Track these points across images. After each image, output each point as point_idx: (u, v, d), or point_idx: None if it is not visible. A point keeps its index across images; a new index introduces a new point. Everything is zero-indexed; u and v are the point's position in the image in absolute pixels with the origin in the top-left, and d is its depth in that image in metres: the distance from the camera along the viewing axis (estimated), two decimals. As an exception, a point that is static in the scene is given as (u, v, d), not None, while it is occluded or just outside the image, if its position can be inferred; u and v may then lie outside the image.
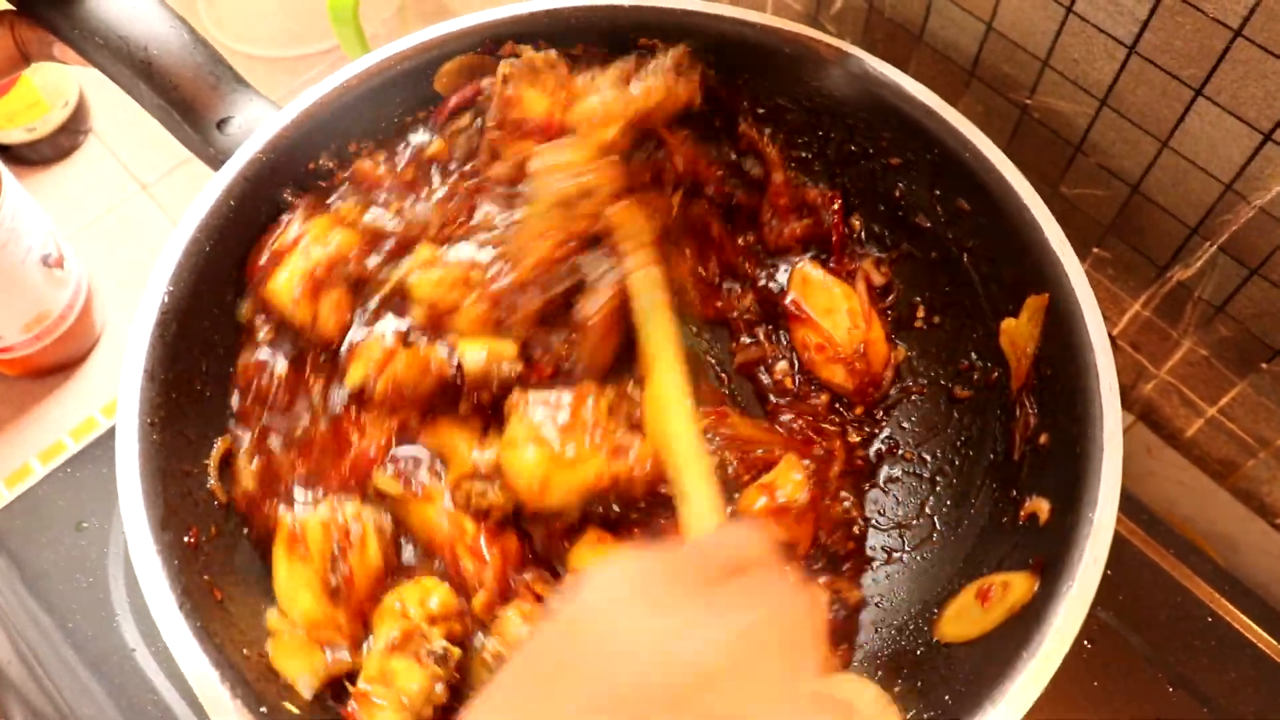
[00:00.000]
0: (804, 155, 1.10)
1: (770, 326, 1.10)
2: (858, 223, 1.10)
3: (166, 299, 0.88)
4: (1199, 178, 0.94)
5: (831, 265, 1.09)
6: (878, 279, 1.08)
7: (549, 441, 0.88)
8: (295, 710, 0.81)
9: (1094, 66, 0.95)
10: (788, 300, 1.07)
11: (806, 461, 0.98)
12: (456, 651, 0.85)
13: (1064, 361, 0.89)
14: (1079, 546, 0.80)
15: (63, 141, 1.45)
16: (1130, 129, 0.97)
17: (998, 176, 0.94)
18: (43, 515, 1.09)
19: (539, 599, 0.89)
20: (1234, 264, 0.96)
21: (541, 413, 0.89)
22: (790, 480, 0.95)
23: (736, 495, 0.96)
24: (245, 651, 0.82)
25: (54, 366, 1.32)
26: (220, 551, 0.89)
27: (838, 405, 1.06)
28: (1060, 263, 0.89)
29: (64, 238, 1.27)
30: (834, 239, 1.09)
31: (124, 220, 1.43)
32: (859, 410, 1.06)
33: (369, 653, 0.86)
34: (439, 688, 0.83)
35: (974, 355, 1.03)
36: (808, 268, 1.08)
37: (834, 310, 1.05)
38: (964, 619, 0.90)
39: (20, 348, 1.26)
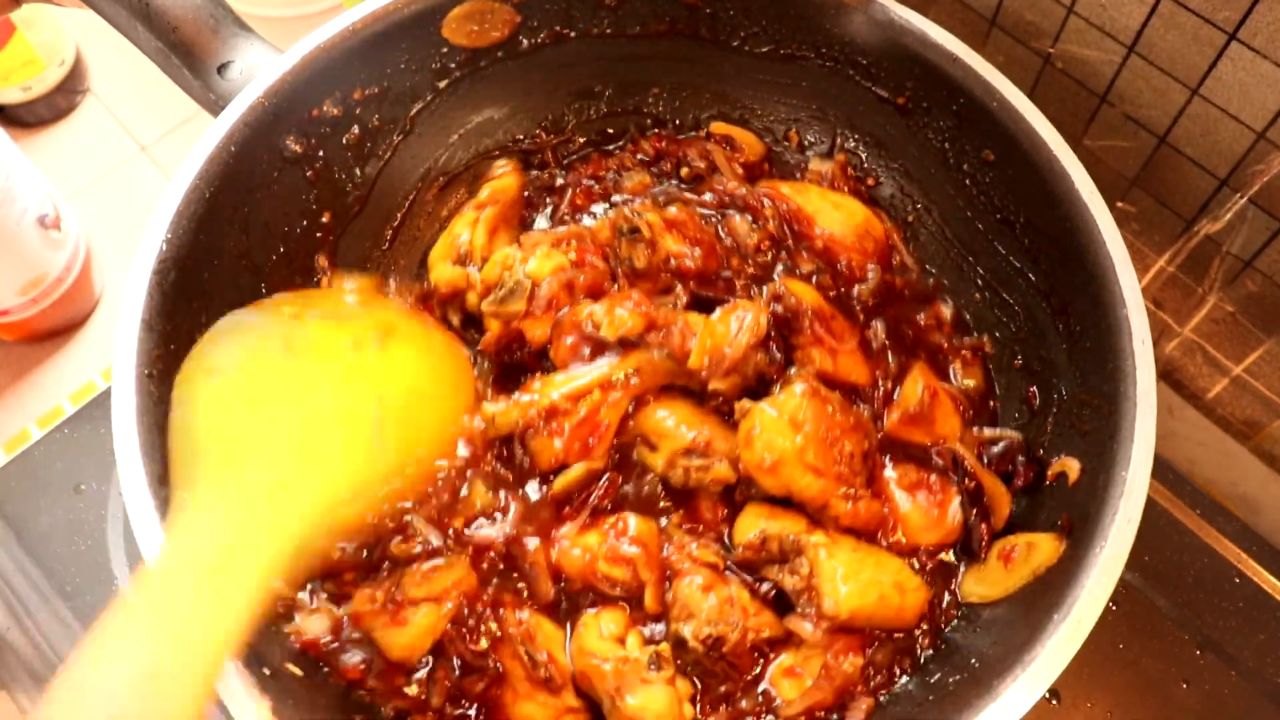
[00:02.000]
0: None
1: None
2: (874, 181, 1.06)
3: (165, 247, 0.83)
4: (1230, 126, 0.89)
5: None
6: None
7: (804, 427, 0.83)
8: (298, 672, 0.77)
9: (1122, 11, 0.90)
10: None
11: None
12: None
13: (1094, 317, 0.84)
14: (1111, 505, 0.76)
15: (60, 102, 1.39)
16: (1159, 76, 0.92)
17: (1026, 126, 0.89)
18: (40, 478, 1.04)
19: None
20: (1264, 216, 0.91)
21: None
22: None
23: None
24: (247, 611, 0.77)
25: (52, 330, 1.27)
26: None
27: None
28: (1091, 214, 0.85)
29: (62, 200, 1.22)
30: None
31: (123, 182, 1.37)
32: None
33: None
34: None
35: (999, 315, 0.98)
36: None
37: None
38: (986, 579, 0.85)
39: (17, 311, 1.21)
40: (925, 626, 0.85)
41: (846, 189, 1.04)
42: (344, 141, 0.97)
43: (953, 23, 1.03)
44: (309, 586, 0.83)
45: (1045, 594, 0.77)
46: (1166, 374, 1.11)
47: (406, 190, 1.05)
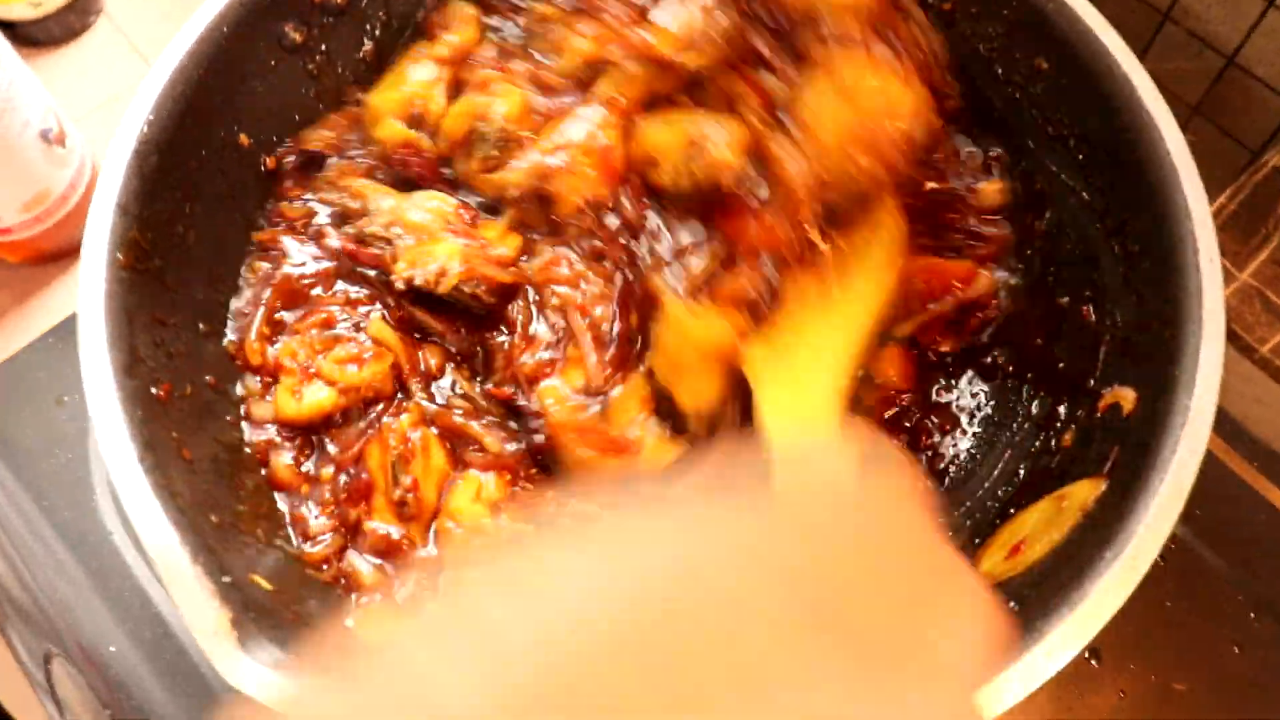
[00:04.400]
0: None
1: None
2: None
3: (146, 128, 0.75)
4: (1310, 41, 0.79)
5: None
6: None
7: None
8: (266, 585, 0.67)
9: (1194, -87, 0.80)
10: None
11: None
12: None
13: (1155, 235, 0.73)
14: (1172, 435, 0.66)
15: (72, 21, 1.31)
16: (1231, -12, 0.82)
17: (1083, 28, 0.78)
18: (22, 388, 0.95)
19: None
20: (1344, 143, 0.81)
21: None
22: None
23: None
24: (213, 518, 0.68)
25: (57, 252, 1.19)
26: (197, 412, 0.75)
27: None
28: (1154, 121, 0.74)
29: (68, 118, 1.14)
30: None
31: (137, 106, 1.29)
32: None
33: None
34: None
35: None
36: None
37: None
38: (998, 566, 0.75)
39: (19, 229, 1.13)
40: None
41: None
42: (348, 36, 0.88)
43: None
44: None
45: (1094, 532, 0.67)
46: (1221, 323, 1.00)
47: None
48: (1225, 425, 0.91)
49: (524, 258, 0.83)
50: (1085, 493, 0.71)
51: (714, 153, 0.76)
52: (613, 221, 0.80)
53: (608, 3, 0.85)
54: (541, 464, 0.79)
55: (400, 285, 0.81)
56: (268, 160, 0.87)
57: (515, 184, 0.82)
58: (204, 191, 0.79)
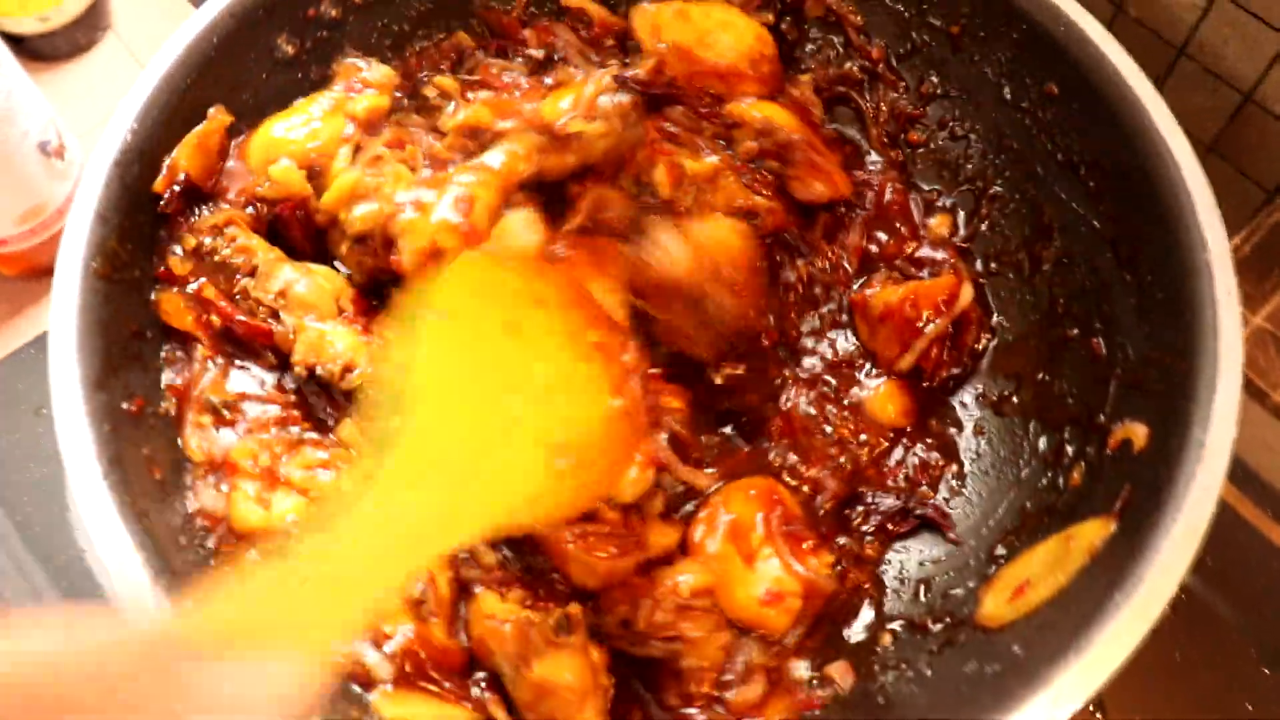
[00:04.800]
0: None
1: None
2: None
3: (130, 137, 0.72)
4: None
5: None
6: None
7: None
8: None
9: (1212, -57, 0.78)
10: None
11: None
12: None
13: (1170, 265, 0.70)
14: (1186, 471, 0.63)
15: (79, 37, 1.30)
16: (1249, 21, 0.79)
17: (1095, 52, 0.76)
18: (1, 399, 0.93)
19: None
20: (1363, 181, 0.78)
21: None
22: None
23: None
24: (181, 540, 0.65)
25: (53, 266, 1.16)
26: (171, 430, 0.72)
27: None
28: (1169, 148, 0.71)
29: (70, 133, 1.12)
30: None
31: (140, 126, 1.27)
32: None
33: None
34: None
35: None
36: None
37: None
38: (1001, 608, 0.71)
39: (15, 241, 1.10)
40: None
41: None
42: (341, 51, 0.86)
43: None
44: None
45: (1102, 575, 0.63)
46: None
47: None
48: (1237, 472, 0.87)
49: None
50: (1094, 533, 0.68)
51: None
52: None
53: (512, 79, 0.84)
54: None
55: (300, 371, 0.74)
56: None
57: (359, 223, 0.76)
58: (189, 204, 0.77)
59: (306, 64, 0.83)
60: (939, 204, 0.90)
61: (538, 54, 0.89)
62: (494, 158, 0.76)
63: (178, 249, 0.75)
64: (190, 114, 0.76)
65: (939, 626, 0.73)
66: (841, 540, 0.79)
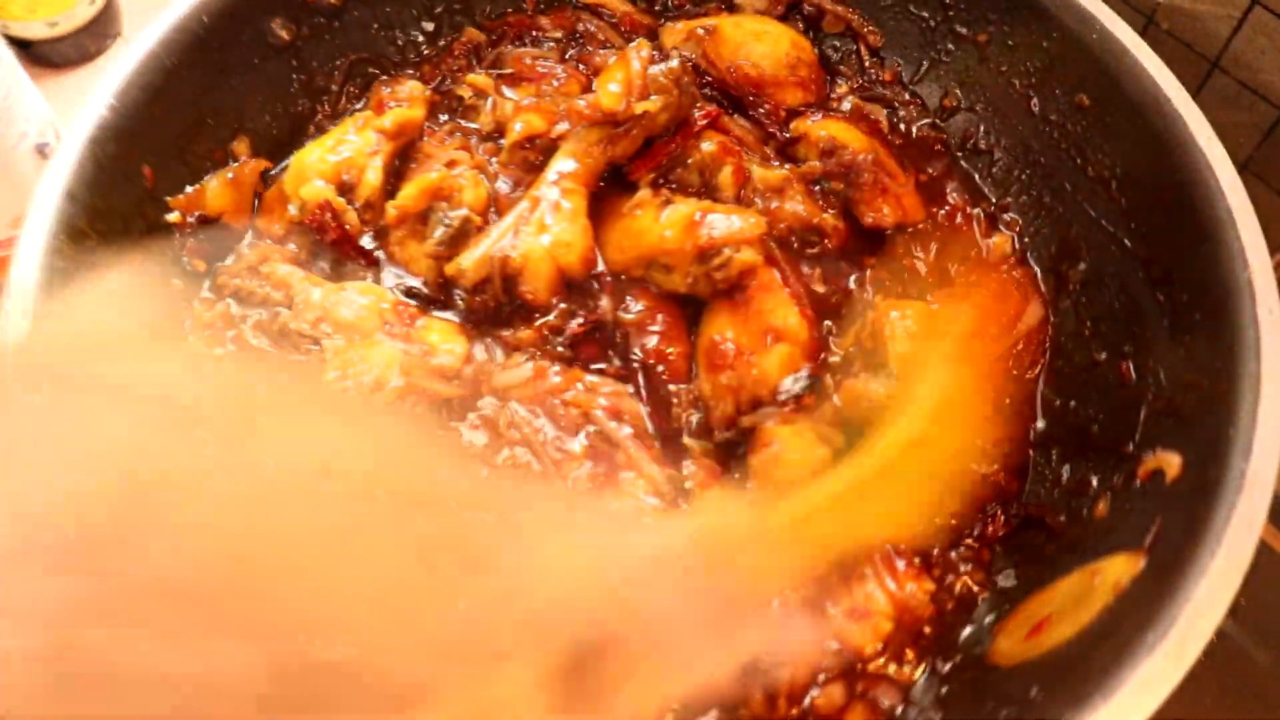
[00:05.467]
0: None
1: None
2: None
3: (108, 112, 0.68)
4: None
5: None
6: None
7: None
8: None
9: (1252, -48, 0.73)
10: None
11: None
12: None
13: (1207, 283, 0.65)
14: (1225, 502, 0.57)
15: (88, 44, 1.26)
16: (1289, 34, 0.74)
17: (1130, 62, 0.71)
18: None
19: None
20: None
21: None
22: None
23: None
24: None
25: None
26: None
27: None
28: (1208, 161, 0.66)
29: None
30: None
31: (144, 132, 1.23)
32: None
33: None
34: None
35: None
36: None
37: None
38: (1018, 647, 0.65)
39: (8, 246, 1.07)
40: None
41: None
42: (338, 42, 0.82)
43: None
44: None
45: (1131, 614, 0.57)
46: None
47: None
48: (1274, 510, 0.81)
49: (467, 366, 0.72)
50: (1121, 569, 0.61)
51: (737, 259, 0.71)
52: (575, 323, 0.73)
53: (548, 69, 0.81)
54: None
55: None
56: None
57: (473, 272, 0.73)
58: (163, 194, 0.72)
59: (301, 52, 0.79)
60: (1003, 219, 0.85)
61: (557, 34, 0.86)
62: (566, 164, 0.75)
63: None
64: (172, 92, 0.71)
65: (948, 665, 0.66)
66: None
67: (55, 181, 0.65)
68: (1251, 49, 0.78)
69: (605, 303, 0.74)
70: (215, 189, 0.75)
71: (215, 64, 0.74)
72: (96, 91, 0.69)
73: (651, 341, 0.73)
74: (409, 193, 0.75)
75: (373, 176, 0.76)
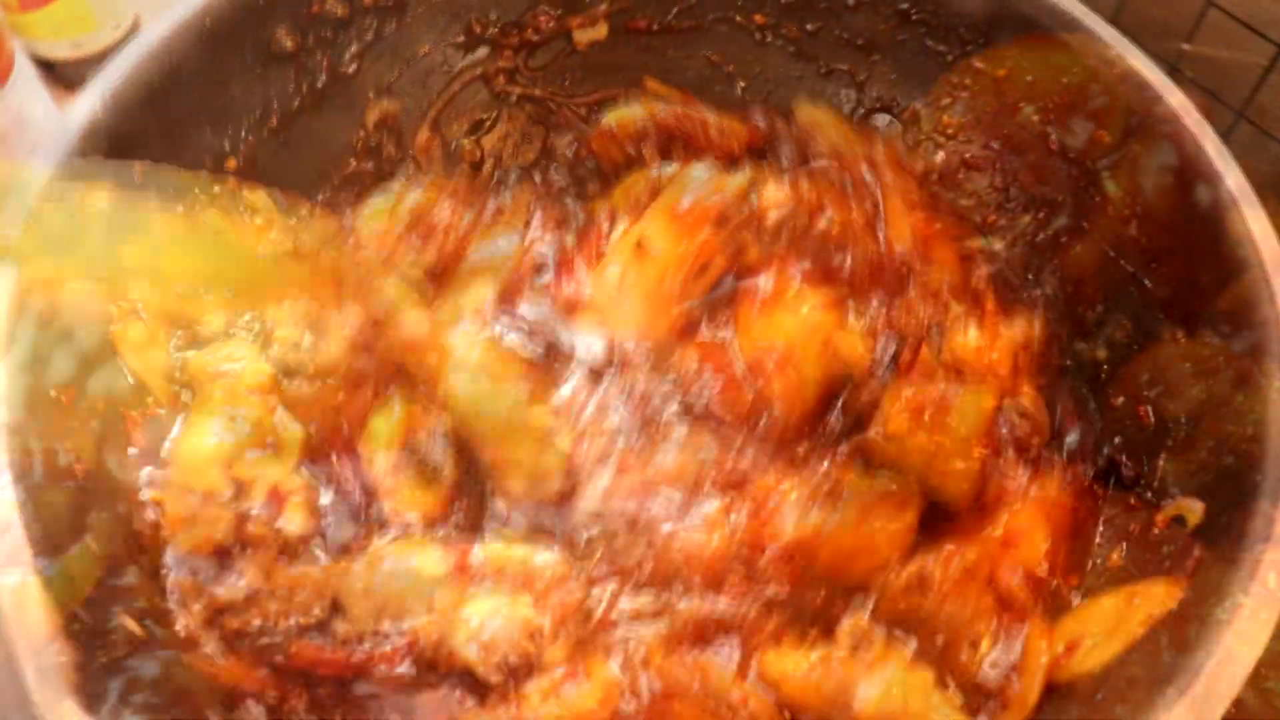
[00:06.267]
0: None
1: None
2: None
3: (100, 111, 0.66)
4: None
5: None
6: None
7: None
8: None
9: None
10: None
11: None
12: None
13: (1234, 323, 0.62)
14: (1250, 555, 0.53)
15: (110, 65, 1.26)
16: (1317, 80, 0.72)
17: (1152, 95, 0.68)
18: None
19: None
20: None
21: None
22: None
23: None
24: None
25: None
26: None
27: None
28: (1233, 198, 0.64)
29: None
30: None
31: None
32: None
33: None
34: None
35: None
36: None
37: None
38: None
39: (7, 253, 1.05)
40: None
41: None
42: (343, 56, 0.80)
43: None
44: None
45: (1157, 655, 0.53)
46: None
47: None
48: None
49: None
50: (1160, 597, 0.57)
51: None
52: None
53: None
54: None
55: None
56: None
57: None
58: (158, 193, 0.70)
59: (304, 65, 0.77)
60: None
61: None
62: None
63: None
64: (171, 96, 0.69)
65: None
66: None
67: (38, 181, 0.63)
68: (1278, 99, 0.75)
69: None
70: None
71: (216, 70, 0.72)
72: (88, 91, 0.66)
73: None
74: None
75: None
